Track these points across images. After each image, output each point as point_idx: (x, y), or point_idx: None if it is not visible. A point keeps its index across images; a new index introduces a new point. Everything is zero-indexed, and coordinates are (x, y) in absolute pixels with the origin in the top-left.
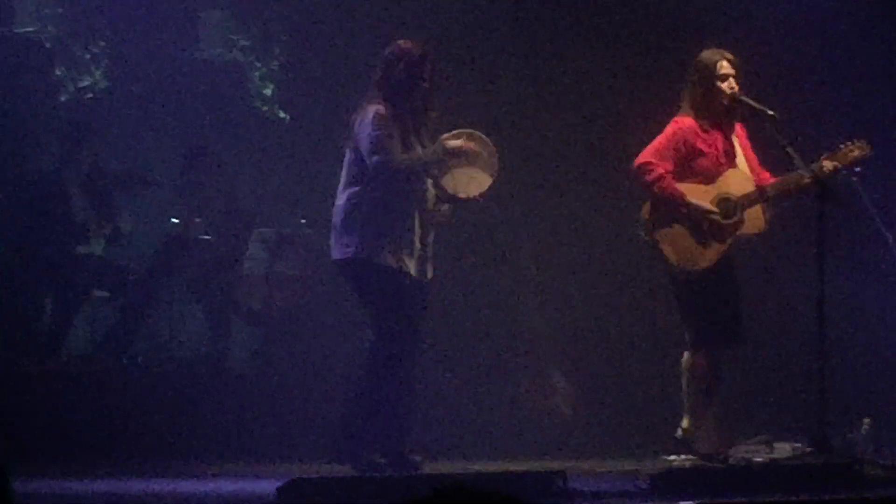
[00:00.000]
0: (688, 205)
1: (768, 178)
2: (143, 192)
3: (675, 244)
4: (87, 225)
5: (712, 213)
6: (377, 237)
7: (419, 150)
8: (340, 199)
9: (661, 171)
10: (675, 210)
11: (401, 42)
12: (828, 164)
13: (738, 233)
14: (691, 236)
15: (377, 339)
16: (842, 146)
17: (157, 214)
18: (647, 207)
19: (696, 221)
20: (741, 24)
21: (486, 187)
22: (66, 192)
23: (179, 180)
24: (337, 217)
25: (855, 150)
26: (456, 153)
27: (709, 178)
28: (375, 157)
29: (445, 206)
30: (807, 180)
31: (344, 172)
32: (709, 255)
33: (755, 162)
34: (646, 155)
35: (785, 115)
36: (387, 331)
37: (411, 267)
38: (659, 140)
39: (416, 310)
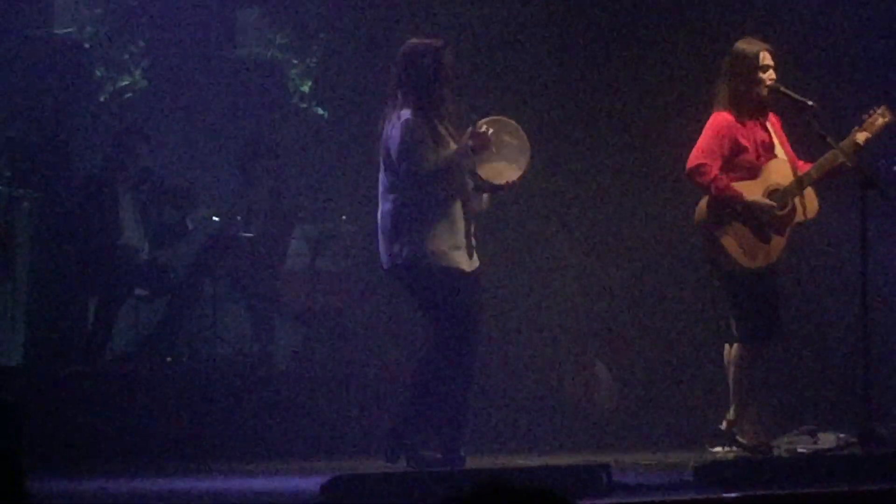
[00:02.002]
0: (747, 202)
1: (803, 167)
2: (190, 207)
3: (740, 243)
4: (132, 225)
5: (770, 206)
6: (428, 239)
7: (450, 141)
8: (384, 206)
9: (715, 171)
10: (732, 209)
11: (415, 40)
12: (860, 137)
13: (796, 221)
14: (752, 233)
15: (438, 338)
16: (865, 116)
17: (200, 213)
18: (702, 208)
19: (754, 217)
20: (768, 14)
21: (522, 172)
22: (110, 192)
23: (232, 178)
24: (384, 223)
25: (879, 118)
26: (482, 138)
27: (752, 171)
28: (405, 166)
29: (484, 196)
30: (842, 158)
31: (381, 178)
32: (773, 250)
33: (791, 152)
34: (697, 157)
35: (821, 106)
36: (448, 330)
37: (462, 262)
38: (705, 139)
39: (473, 304)
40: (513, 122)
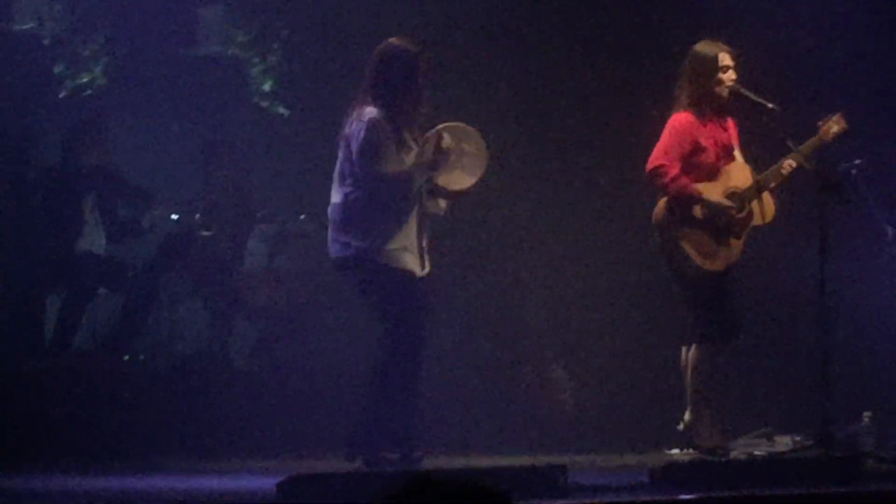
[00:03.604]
0: (706, 202)
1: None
2: (145, 206)
3: (697, 244)
4: (90, 222)
5: (730, 207)
6: (376, 235)
7: (412, 145)
8: (336, 198)
9: (675, 171)
10: (691, 211)
11: (394, 40)
12: (817, 144)
13: (753, 223)
14: (710, 235)
15: (384, 336)
16: (820, 124)
17: (158, 211)
18: (661, 210)
19: (713, 219)
20: (734, 16)
21: (477, 178)
22: (69, 188)
23: (190, 177)
24: (334, 215)
25: (833, 126)
26: (445, 154)
27: (711, 173)
28: (364, 164)
29: (440, 201)
30: (796, 163)
31: (337, 171)
32: (730, 252)
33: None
34: (657, 157)
35: (781, 109)
36: (393, 328)
37: (411, 263)
38: (665, 140)
39: (419, 306)
40: (472, 128)
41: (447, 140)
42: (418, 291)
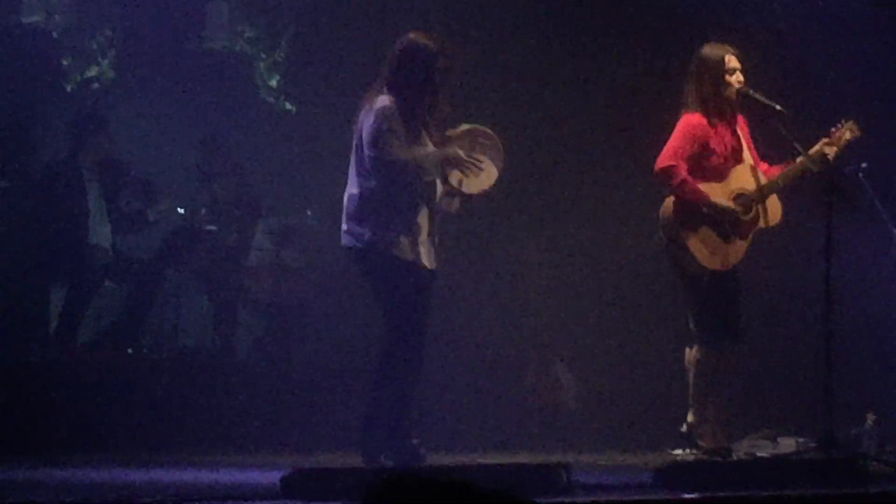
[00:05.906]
0: (712, 205)
1: (768, 171)
2: (152, 200)
3: (702, 243)
4: (95, 214)
5: (735, 211)
6: (389, 228)
7: (428, 143)
8: (352, 189)
9: (682, 173)
10: (698, 211)
11: (415, 35)
12: (829, 150)
13: (759, 226)
14: (716, 235)
15: (389, 329)
16: (833, 130)
17: (164, 204)
18: (668, 209)
19: (720, 221)
20: (740, 18)
21: (492, 182)
22: (75, 180)
23: (193, 171)
24: (349, 206)
25: (846, 132)
26: (455, 162)
27: (719, 175)
28: (372, 151)
29: (455, 199)
30: (808, 168)
31: (353, 162)
32: (735, 253)
33: (756, 156)
34: (666, 158)
35: (790, 111)
36: (398, 321)
37: (422, 257)
38: (675, 141)
39: (425, 300)
40: (489, 130)
41: (459, 151)
42: (425, 285)
